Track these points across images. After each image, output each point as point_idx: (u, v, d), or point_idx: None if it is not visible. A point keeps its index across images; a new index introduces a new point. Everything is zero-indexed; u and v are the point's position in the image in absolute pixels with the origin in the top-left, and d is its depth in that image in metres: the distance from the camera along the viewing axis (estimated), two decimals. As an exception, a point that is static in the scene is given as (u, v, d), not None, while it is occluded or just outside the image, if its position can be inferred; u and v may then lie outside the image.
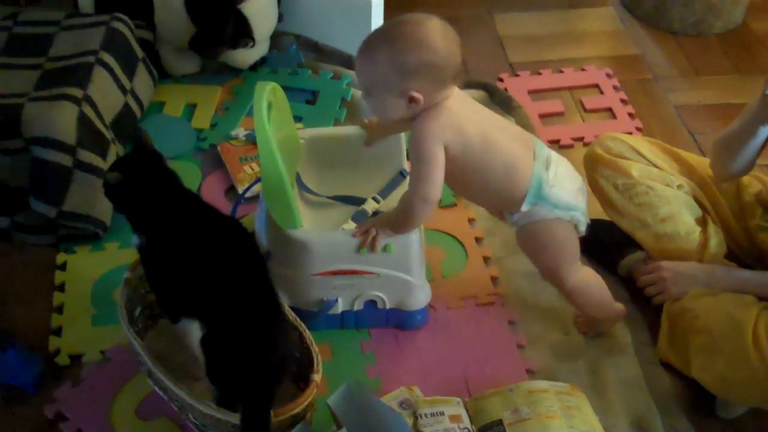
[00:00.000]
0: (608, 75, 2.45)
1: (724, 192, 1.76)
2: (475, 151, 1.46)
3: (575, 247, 1.58)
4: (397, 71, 1.38)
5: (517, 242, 1.61)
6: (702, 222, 1.72)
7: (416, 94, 1.39)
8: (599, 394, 1.58)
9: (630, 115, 2.30)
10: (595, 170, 1.78)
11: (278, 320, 1.40)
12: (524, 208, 1.50)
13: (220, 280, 1.36)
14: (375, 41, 1.41)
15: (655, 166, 1.75)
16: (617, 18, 2.73)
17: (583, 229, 1.57)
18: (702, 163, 1.79)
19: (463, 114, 1.46)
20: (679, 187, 1.74)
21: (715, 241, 1.70)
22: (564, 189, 1.51)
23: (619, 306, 1.68)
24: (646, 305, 1.74)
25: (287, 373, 1.43)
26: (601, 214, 1.83)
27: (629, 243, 1.78)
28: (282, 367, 1.39)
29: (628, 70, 2.50)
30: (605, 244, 1.82)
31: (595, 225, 1.85)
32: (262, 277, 1.40)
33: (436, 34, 1.37)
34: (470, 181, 1.52)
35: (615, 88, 2.40)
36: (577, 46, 2.61)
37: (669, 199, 1.71)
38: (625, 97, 2.36)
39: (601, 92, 2.40)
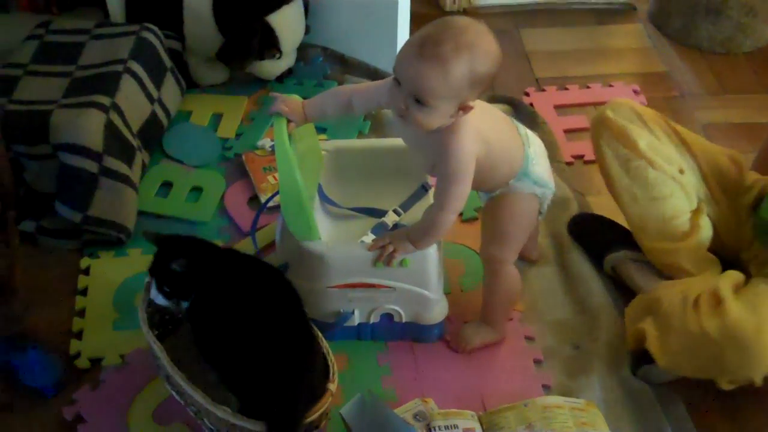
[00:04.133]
0: (635, 92, 2.44)
1: (725, 174, 1.72)
2: (494, 151, 1.48)
3: (531, 228, 1.65)
4: (470, 81, 1.31)
5: (483, 212, 1.63)
6: (696, 211, 1.69)
7: (471, 104, 1.36)
8: (612, 409, 1.57)
9: (656, 132, 2.27)
10: (601, 135, 1.74)
11: (312, 358, 1.42)
12: (511, 182, 1.54)
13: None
14: (448, 48, 1.28)
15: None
16: (645, 35, 2.72)
17: (545, 209, 1.61)
18: (706, 149, 1.74)
19: (478, 117, 1.44)
20: (681, 171, 1.69)
21: (704, 234, 1.67)
22: (541, 166, 1.57)
23: (506, 328, 1.70)
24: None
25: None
26: (601, 206, 1.88)
27: (617, 240, 1.79)
28: (311, 396, 1.40)
29: (656, 87, 2.48)
30: (595, 237, 1.86)
31: (589, 218, 1.92)
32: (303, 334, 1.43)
33: (496, 44, 1.33)
34: (480, 178, 1.49)
35: (642, 105, 2.39)
36: (604, 63, 2.60)
37: (666, 181, 1.68)
38: (651, 114, 2.36)
39: (628, 109, 2.38)
